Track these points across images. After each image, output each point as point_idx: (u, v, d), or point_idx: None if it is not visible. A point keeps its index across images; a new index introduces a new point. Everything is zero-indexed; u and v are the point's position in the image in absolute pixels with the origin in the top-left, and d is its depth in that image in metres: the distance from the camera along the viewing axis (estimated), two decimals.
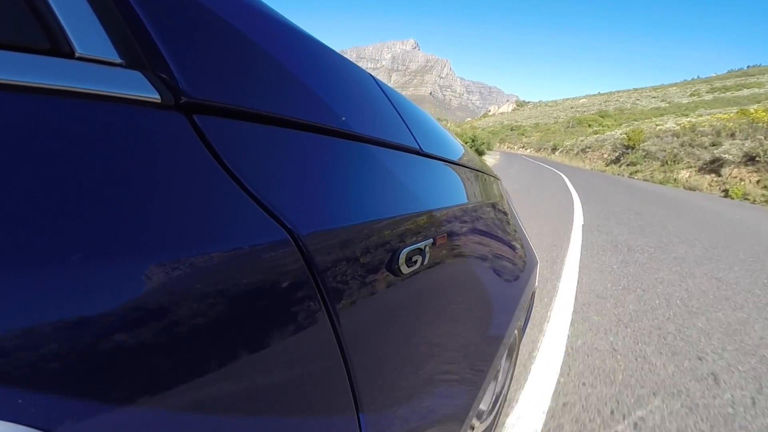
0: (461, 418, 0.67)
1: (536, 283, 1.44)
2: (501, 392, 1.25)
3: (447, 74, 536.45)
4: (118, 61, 0.28)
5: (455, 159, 0.93)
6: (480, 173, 1.12)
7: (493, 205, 1.07)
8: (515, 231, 1.21)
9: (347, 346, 0.38)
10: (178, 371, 0.24)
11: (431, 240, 0.57)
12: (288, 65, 0.46)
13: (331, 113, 0.50)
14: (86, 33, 0.26)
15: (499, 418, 1.25)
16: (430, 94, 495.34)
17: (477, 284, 0.77)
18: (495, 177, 1.35)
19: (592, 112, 73.30)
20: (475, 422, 1.01)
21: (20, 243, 0.20)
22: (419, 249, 0.52)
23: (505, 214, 1.18)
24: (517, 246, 1.16)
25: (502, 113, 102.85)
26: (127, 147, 0.27)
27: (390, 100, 0.72)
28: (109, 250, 0.23)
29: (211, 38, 0.36)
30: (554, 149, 42.62)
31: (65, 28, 0.25)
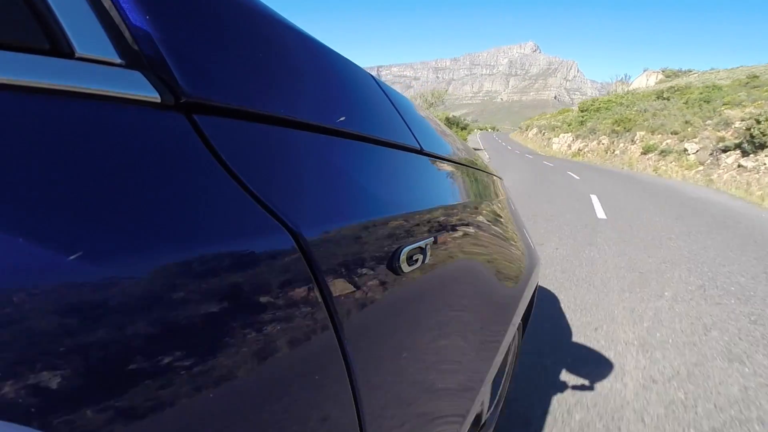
0: (461, 417, 0.68)
1: (537, 282, 1.44)
2: (500, 393, 1.28)
3: (575, 76, 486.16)
4: (118, 61, 0.28)
5: (456, 157, 0.94)
6: (481, 171, 1.13)
7: (495, 204, 1.08)
8: (516, 229, 1.22)
9: (348, 345, 0.38)
10: (179, 371, 0.24)
11: (432, 239, 0.58)
12: (288, 65, 0.46)
13: (331, 113, 0.50)
14: (86, 33, 0.26)
15: (499, 418, 1.27)
16: (555, 98, 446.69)
17: (478, 283, 0.77)
18: (496, 176, 1.36)
19: None
20: (475, 421, 1.03)
21: (20, 243, 0.20)
22: (420, 248, 0.53)
23: (507, 212, 1.19)
24: (519, 244, 1.17)
25: (632, 90, 45.97)
26: (127, 147, 0.27)
27: (390, 100, 0.72)
28: (109, 250, 0.23)
29: (211, 38, 0.36)
30: None
31: (65, 28, 0.25)
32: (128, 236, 0.24)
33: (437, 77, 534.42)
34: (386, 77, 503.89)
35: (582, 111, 37.49)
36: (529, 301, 1.26)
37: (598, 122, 30.11)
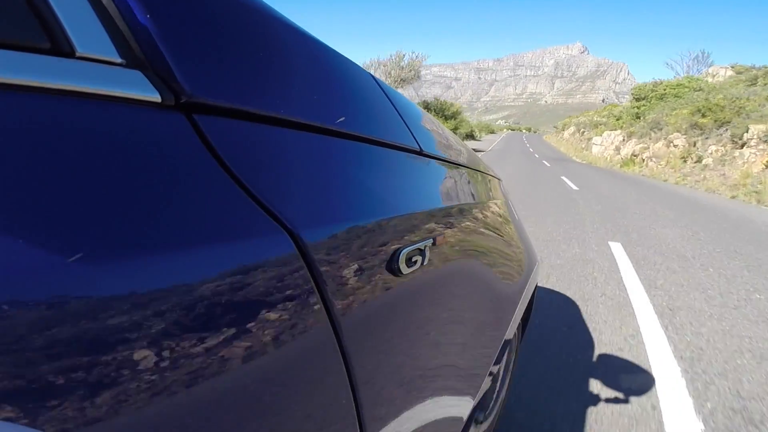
0: (461, 417, 0.68)
1: (537, 282, 1.43)
2: (501, 392, 1.28)
3: (624, 79, 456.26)
4: (119, 60, 0.28)
5: (455, 159, 0.94)
6: (481, 173, 1.13)
7: (494, 205, 1.08)
8: (515, 230, 1.23)
9: (347, 346, 0.38)
10: (178, 372, 0.24)
11: (431, 240, 0.58)
12: (288, 65, 0.47)
13: (331, 113, 0.50)
14: (87, 32, 0.26)
15: (498, 418, 1.26)
16: (602, 100, 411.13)
17: (477, 284, 0.77)
18: (496, 177, 1.36)
19: None
20: (475, 422, 1.02)
21: (20, 243, 0.20)
22: (419, 249, 0.53)
23: (506, 214, 1.19)
24: (518, 245, 1.17)
25: (681, 84, 22.92)
26: (127, 147, 0.27)
27: (390, 100, 0.72)
28: (108, 250, 0.23)
29: (211, 38, 0.36)
30: None
31: (65, 28, 0.25)
32: (127, 236, 0.24)
33: (479, 78, 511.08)
34: (426, 77, 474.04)
35: (638, 100, 25.78)
36: (529, 301, 1.27)
37: (665, 114, 19.07)
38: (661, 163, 16.02)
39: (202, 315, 0.26)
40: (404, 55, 22.88)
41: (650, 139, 18.45)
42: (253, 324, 0.29)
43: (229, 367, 0.27)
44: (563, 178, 11.70)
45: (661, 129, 18.13)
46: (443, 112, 32.06)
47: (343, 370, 0.38)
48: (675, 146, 16.06)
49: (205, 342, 0.26)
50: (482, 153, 21.47)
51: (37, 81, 0.23)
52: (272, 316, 0.31)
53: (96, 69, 0.27)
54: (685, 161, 14.84)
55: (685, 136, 15.94)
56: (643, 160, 17.61)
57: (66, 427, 0.19)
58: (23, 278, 0.19)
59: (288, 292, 0.33)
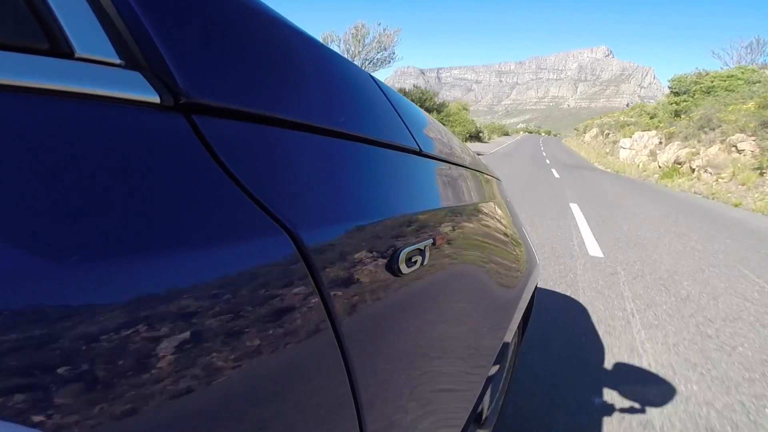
0: (462, 415, 0.68)
1: (537, 283, 1.44)
2: (500, 392, 1.28)
3: (650, 83, 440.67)
4: (118, 61, 0.28)
5: (455, 159, 0.94)
6: (480, 173, 1.13)
7: (494, 206, 1.08)
8: (515, 231, 1.23)
9: (347, 346, 0.38)
10: (177, 372, 0.24)
11: (431, 240, 0.58)
12: (288, 65, 0.47)
13: (331, 113, 0.51)
14: (86, 33, 0.27)
15: (498, 418, 1.27)
16: (627, 105, 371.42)
17: (476, 285, 0.77)
18: (495, 177, 1.37)
19: None
20: (474, 423, 1.03)
21: (20, 243, 0.20)
22: (419, 249, 0.53)
23: (506, 214, 1.20)
24: (518, 246, 1.17)
25: (733, 75, 17.46)
26: (126, 148, 0.27)
27: (390, 100, 0.72)
28: (108, 251, 0.23)
29: (210, 38, 0.36)
30: None
31: (65, 29, 0.25)
32: (126, 237, 0.24)
33: (500, 81, 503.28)
34: (446, 79, 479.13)
35: (677, 94, 21.22)
36: (529, 302, 1.27)
37: (719, 110, 14.50)
38: (722, 175, 11.29)
39: (201, 316, 0.26)
40: (368, 30, 17.52)
41: (699, 141, 13.78)
42: (252, 325, 0.29)
43: (229, 369, 0.27)
44: (573, 208, 6.69)
45: (714, 129, 13.50)
46: (423, 103, 26.29)
47: (343, 370, 0.38)
48: (740, 152, 11.41)
49: (204, 343, 0.26)
50: (482, 156, 18.30)
51: (36, 82, 0.23)
52: (272, 316, 0.31)
53: (95, 70, 0.27)
54: (761, 174, 10.16)
55: (754, 138, 11.32)
56: (693, 169, 12.89)
57: (66, 427, 0.19)
58: (22, 279, 0.19)
59: (288, 293, 0.33)
